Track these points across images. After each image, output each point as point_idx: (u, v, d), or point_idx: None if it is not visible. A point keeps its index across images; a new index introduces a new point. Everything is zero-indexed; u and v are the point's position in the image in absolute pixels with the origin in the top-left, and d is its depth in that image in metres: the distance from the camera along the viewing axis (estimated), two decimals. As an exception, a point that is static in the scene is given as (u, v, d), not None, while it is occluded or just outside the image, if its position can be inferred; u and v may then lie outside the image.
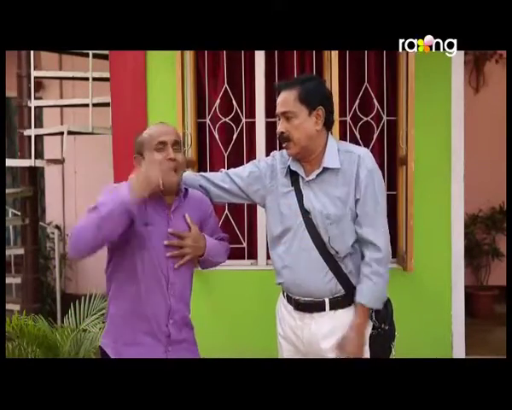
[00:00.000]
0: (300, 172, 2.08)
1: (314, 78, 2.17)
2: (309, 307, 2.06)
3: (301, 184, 2.08)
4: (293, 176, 2.10)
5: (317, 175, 2.05)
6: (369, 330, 2.06)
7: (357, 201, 2.01)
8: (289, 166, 2.10)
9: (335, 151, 2.05)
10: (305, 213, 2.04)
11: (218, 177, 2.21)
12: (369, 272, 2.00)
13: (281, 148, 2.17)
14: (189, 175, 2.24)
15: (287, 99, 2.02)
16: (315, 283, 2.03)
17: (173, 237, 1.99)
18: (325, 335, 2.03)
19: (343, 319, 2.03)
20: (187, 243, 2.00)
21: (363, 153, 2.06)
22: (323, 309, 2.04)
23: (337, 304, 2.04)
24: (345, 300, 2.04)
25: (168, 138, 1.97)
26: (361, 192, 2.00)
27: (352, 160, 2.03)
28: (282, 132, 2.03)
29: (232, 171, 2.23)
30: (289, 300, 2.12)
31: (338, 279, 2.02)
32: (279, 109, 2.04)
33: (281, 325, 2.18)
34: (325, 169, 2.04)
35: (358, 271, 2.04)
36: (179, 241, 1.99)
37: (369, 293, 2.00)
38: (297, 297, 2.08)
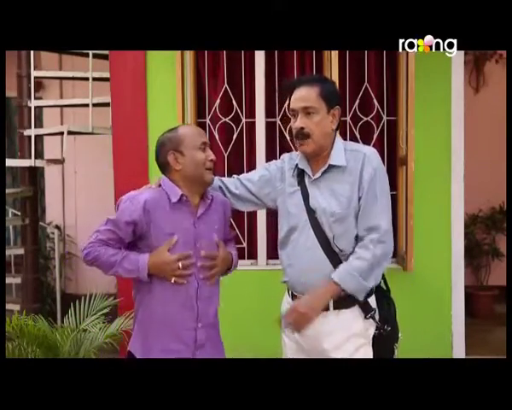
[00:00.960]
0: (307, 170, 2.08)
1: (330, 79, 2.18)
2: None
3: (307, 182, 2.08)
4: (300, 175, 2.11)
5: (323, 173, 2.05)
6: (372, 331, 2.05)
7: (359, 198, 2.01)
8: (297, 164, 2.11)
9: (342, 150, 2.05)
10: (311, 212, 2.04)
11: (231, 182, 2.22)
12: (354, 257, 1.98)
13: (281, 148, 2.17)
14: None
15: (309, 94, 2.00)
16: (319, 281, 2.01)
17: (200, 244, 2.03)
18: (328, 334, 2.02)
19: (347, 318, 2.03)
20: (217, 264, 2.06)
21: (370, 152, 2.05)
22: (327, 308, 2.03)
23: (341, 303, 2.02)
24: (349, 299, 2.02)
25: (207, 140, 2.06)
26: (364, 190, 2.00)
27: (358, 158, 2.02)
28: (302, 128, 2.00)
29: (243, 176, 2.24)
30: (294, 298, 2.12)
31: None
32: (299, 104, 2.01)
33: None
34: (331, 166, 2.04)
35: None
36: (211, 262, 2.04)
37: (342, 271, 1.98)
38: (301, 295, 2.07)
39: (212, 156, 2.03)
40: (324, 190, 2.04)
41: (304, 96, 2.01)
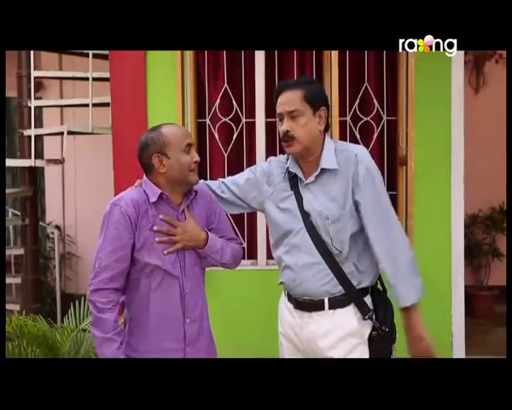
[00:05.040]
0: (299, 173, 2.09)
1: (315, 80, 2.20)
2: (308, 306, 2.07)
3: (300, 187, 2.09)
4: (292, 180, 2.11)
5: (316, 177, 2.06)
6: (367, 331, 2.06)
7: (358, 200, 2.02)
8: (288, 168, 2.12)
9: (332, 152, 2.06)
10: (306, 216, 2.05)
11: (217, 186, 2.22)
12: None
13: (281, 148, 2.18)
14: None
15: (292, 98, 2.02)
16: (314, 283, 2.04)
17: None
18: (324, 334, 2.04)
19: (342, 318, 2.04)
20: (176, 231, 1.99)
21: (360, 151, 2.07)
22: (323, 308, 2.05)
23: (336, 303, 2.04)
24: (344, 299, 2.04)
25: (192, 140, 2.03)
26: (361, 192, 2.01)
27: (348, 158, 2.03)
28: (288, 131, 2.03)
29: (229, 179, 2.24)
30: (290, 298, 2.14)
31: (338, 280, 2.03)
32: (284, 108, 2.04)
33: (281, 324, 2.19)
34: (323, 170, 2.05)
35: (360, 271, 2.05)
36: (168, 228, 1.98)
37: (403, 292, 2.01)
38: (297, 296, 2.09)
39: (197, 158, 2.01)
40: (318, 194, 2.06)
41: (287, 100, 2.03)
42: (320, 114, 2.04)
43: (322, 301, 2.04)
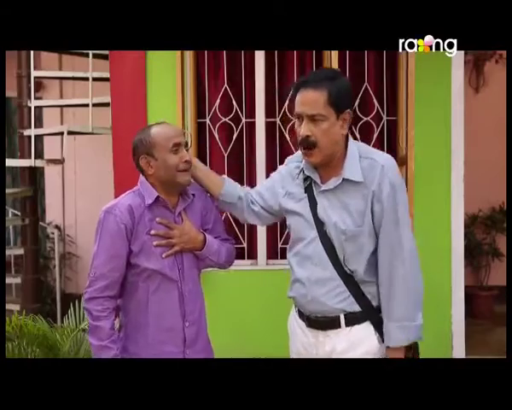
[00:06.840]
0: (315, 177, 1.89)
1: (340, 75, 1.91)
2: (323, 324, 1.89)
3: (315, 191, 1.89)
4: (306, 181, 1.92)
5: (336, 186, 1.85)
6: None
7: (377, 217, 1.82)
8: (302, 169, 1.93)
9: (357, 160, 1.84)
10: (320, 225, 1.86)
11: (247, 199, 2.08)
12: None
13: (281, 148, 2.16)
14: (232, 184, 2.10)
15: (316, 100, 1.78)
16: (328, 300, 1.86)
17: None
18: (341, 353, 1.88)
19: (360, 335, 1.88)
20: (174, 234, 1.96)
21: (387, 163, 1.84)
22: (339, 326, 1.87)
23: (354, 320, 1.87)
24: (362, 316, 1.87)
25: (181, 140, 1.96)
26: (383, 208, 1.81)
27: (374, 169, 1.82)
28: (308, 136, 1.80)
29: (255, 191, 2.09)
30: (301, 315, 1.95)
31: (356, 298, 1.86)
32: (304, 110, 1.80)
33: (293, 342, 2.03)
34: (345, 180, 1.84)
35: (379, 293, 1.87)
36: (165, 231, 1.96)
37: (390, 331, 1.84)
38: (309, 313, 1.91)
39: (186, 157, 1.94)
40: (335, 202, 1.85)
41: (310, 101, 1.78)
42: (344, 117, 1.82)
43: (338, 317, 1.86)
